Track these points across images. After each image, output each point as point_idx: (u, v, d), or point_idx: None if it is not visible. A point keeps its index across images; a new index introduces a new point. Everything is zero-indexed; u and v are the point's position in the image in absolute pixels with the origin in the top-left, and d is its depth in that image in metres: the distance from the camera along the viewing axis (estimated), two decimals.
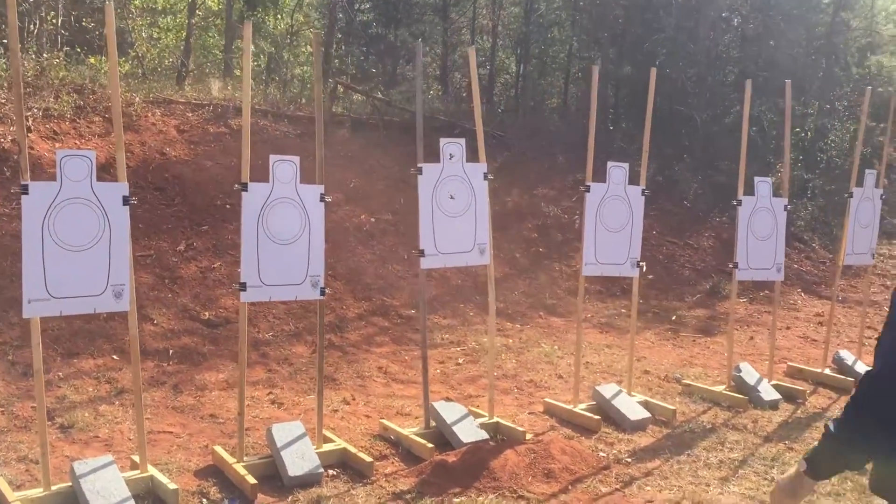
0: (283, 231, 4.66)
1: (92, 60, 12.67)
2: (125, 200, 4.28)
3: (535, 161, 13.72)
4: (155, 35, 15.80)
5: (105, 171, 10.00)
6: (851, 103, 15.97)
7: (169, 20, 16.61)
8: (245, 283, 4.54)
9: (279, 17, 17.77)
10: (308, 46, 16.02)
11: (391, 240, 10.43)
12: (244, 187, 4.55)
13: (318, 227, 4.80)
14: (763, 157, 14.98)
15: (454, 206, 5.31)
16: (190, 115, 11.83)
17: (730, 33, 15.96)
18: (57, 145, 9.69)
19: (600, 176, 5.81)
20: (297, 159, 4.73)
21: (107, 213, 4.22)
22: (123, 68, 12.90)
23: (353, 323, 8.14)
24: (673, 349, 8.21)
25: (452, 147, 5.34)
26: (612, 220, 5.86)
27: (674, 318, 9.44)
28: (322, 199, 4.81)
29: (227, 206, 9.57)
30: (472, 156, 5.46)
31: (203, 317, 7.53)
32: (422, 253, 5.21)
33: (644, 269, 6.01)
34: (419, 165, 5.23)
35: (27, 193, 3.99)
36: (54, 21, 13.71)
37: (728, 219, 12.95)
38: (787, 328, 9.49)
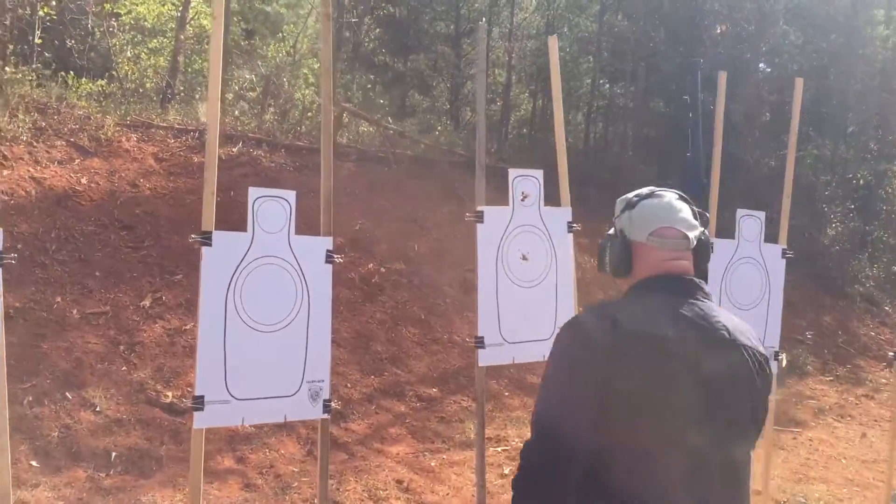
0: (268, 310, 2.89)
1: (69, 80, 10.99)
2: None
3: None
4: (143, 55, 14.16)
5: (61, 204, 8.28)
6: None
7: (159, 41, 15.00)
8: (202, 398, 2.75)
9: (280, 43, 16.23)
10: (310, 71, 14.42)
11: (404, 295, 8.66)
12: (206, 238, 2.79)
13: (323, 304, 3.04)
14: (817, 202, 13.36)
15: (528, 270, 3.53)
16: (171, 141, 10.16)
17: (780, 69, 14.38)
18: (5, 172, 7.97)
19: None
20: (291, 196, 2.98)
21: None
22: (99, 88, 11.24)
23: (359, 407, 6.32)
24: (773, 451, 6.37)
25: (526, 183, 3.59)
26: (743, 291, 4.10)
27: None
28: (330, 259, 3.07)
29: None
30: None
31: (164, 399, 5.71)
32: (479, 342, 3.43)
33: (784, 363, 4.24)
34: (479, 209, 3.47)
35: None
36: (30, 39, 12.12)
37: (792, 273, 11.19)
38: None
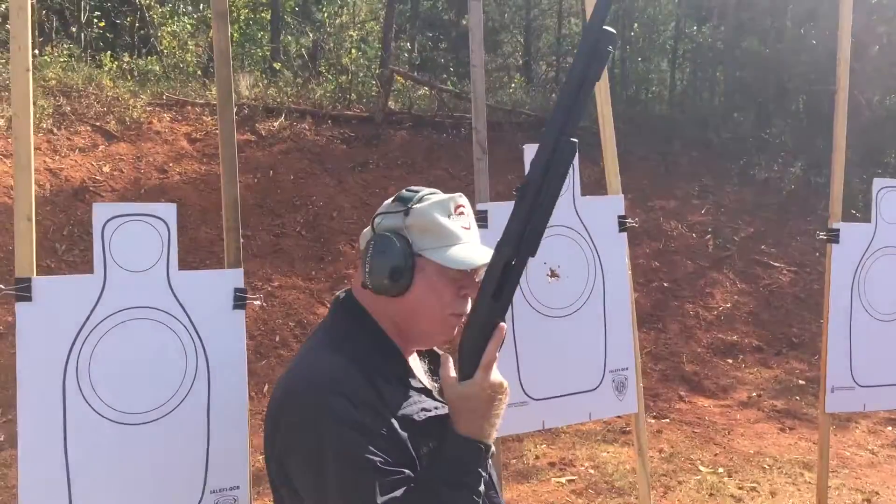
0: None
1: (105, 60, 10.25)
2: None
3: (645, 163, 10.59)
4: (189, 26, 13.36)
5: (78, 197, 7.55)
6: None
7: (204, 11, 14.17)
8: None
9: (334, 6, 15.23)
10: (357, 31, 13.27)
11: None
12: (23, 290, 1.77)
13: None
14: None
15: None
16: (207, 118, 9.32)
17: None
18: (8, 163, 7.26)
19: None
20: (169, 213, 1.92)
21: None
22: (134, 66, 10.48)
23: None
24: None
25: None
26: (884, 294, 2.86)
27: None
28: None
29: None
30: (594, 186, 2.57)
31: None
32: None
33: None
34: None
35: None
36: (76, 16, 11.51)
37: None
38: None
